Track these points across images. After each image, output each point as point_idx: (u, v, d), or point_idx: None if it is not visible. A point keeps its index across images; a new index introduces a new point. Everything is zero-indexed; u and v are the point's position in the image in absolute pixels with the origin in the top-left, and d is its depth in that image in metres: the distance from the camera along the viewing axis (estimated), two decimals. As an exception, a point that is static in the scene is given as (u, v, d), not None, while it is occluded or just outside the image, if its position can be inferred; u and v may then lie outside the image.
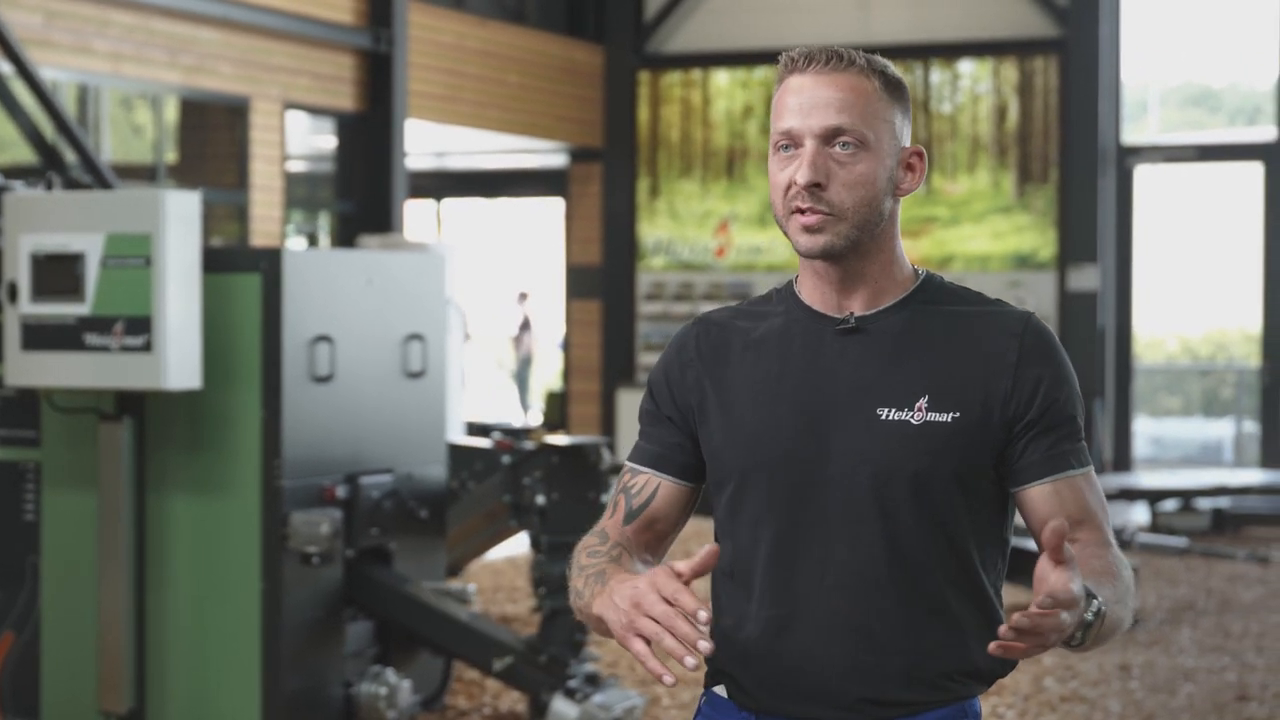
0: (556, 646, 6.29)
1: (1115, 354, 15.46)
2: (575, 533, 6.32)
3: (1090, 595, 2.22)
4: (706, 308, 2.60)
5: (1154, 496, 12.40)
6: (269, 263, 5.92)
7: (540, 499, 6.50)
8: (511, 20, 15.39)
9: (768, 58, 15.74)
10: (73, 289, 5.78)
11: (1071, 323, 14.89)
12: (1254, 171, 15.46)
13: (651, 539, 2.52)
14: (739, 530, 2.45)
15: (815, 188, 2.36)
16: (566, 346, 17.34)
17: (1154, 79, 20.51)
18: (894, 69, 2.42)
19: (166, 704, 6.02)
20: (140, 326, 5.70)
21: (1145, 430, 17.15)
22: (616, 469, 6.54)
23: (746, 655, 2.42)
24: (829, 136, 2.36)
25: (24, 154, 9.23)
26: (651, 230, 16.33)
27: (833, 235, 2.37)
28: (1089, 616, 2.21)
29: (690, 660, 2.15)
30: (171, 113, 11.98)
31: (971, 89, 15.53)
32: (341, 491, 6.13)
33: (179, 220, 5.73)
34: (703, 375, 2.49)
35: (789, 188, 2.37)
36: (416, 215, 18.21)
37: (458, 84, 14.42)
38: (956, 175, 15.43)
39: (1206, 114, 22.80)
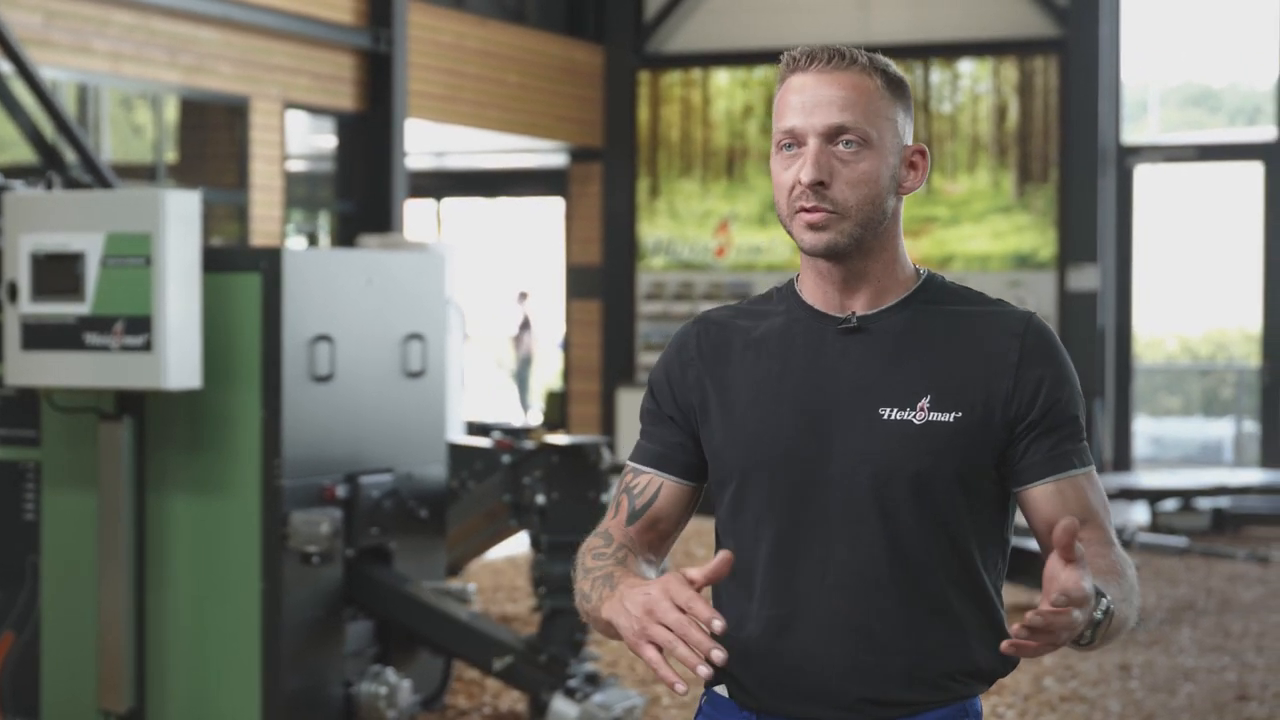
0: (556, 646, 6.29)
1: (1115, 354, 15.46)
2: (575, 532, 6.32)
3: (1099, 594, 2.22)
4: (706, 307, 2.60)
5: (1154, 496, 12.40)
6: (269, 262, 5.92)
7: (540, 498, 6.50)
8: (511, 20, 15.39)
9: (768, 57, 15.75)
10: (73, 288, 5.78)
11: (1071, 322, 14.89)
12: (1254, 171, 15.46)
13: (655, 539, 2.52)
14: (740, 530, 2.45)
15: (819, 186, 2.35)
16: (566, 346, 17.34)
17: (1154, 79, 20.52)
18: (895, 67, 2.42)
19: (166, 704, 6.02)
20: (140, 326, 5.70)
21: (1145, 430, 17.15)
22: (617, 469, 6.53)
23: (747, 655, 2.42)
24: (832, 135, 2.36)
25: (24, 153, 9.23)
26: (651, 230, 16.33)
27: (837, 233, 2.37)
28: (1098, 615, 2.21)
29: (703, 669, 2.14)
30: (171, 112, 11.98)
31: (971, 89, 15.53)
32: (341, 491, 6.13)
33: (179, 220, 5.73)
34: (704, 374, 2.48)
35: (793, 187, 2.37)
36: (416, 215, 18.20)
37: (457, 84, 14.42)
38: (956, 175, 15.43)
39: (1206, 114, 22.79)
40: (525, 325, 22.34)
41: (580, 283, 16.85)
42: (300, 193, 13.58)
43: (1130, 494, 12.45)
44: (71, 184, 6.92)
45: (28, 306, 5.85)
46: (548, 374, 22.54)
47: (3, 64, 8.34)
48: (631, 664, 7.67)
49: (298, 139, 13.35)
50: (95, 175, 7.16)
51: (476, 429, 8.39)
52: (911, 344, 2.41)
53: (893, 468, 2.36)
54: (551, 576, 6.33)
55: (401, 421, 6.47)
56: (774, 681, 2.41)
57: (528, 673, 6.30)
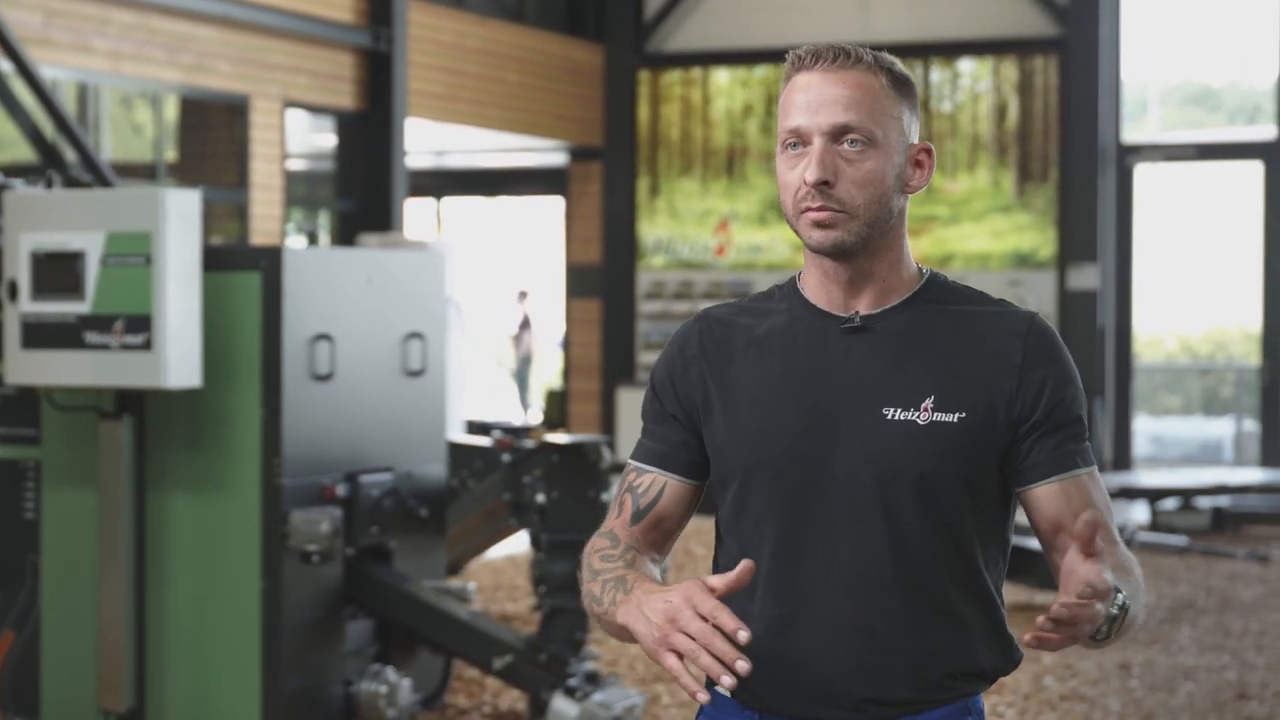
0: (556, 645, 6.29)
1: (1115, 353, 15.46)
2: (575, 531, 6.33)
3: (1115, 589, 2.22)
4: (706, 306, 2.59)
5: (1154, 495, 12.40)
6: (269, 261, 5.92)
7: (540, 497, 6.49)
8: (511, 19, 15.38)
9: (768, 57, 15.76)
10: (73, 287, 5.77)
11: (1071, 322, 14.89)
12: (1254, 170, 15.46)
13: (658, 538, 2.52)
14: (743, 529, 2.44)
15: (824, 185, 2.35)
16: (566, 345, 17.34)
17: (1154, 78, 20.52)
18: (901, 65, 2.41)
19: (166, 703, 6.01)
20: (140, 325, 5.69)
21: (1145, 429, 17.15)
22: (617, 468, 6.53)
23: (749, 654, 2.41)
24: (837, 134, 2.35)
25: (24, 152, 9.23)
26: (651, 229, 16.33)
27: (844, 232, 2.36)
28: (1114, 610, 2.21)
29: (728, 679, 2.14)
30: (171, 111, 11.98)
31: (971, 88, 15.53)
32: (341, 490, 6.13)
33: (179, 219, 5.72)
34: (706, 372, 2.48)
35: (798, 187, 2.36)
36: (416, 214, 18.20)
37: (457, 83, 14.41)
38: (956, 174, 15.43)
39: (1206, 113, 22.79)
40: (525, 324, 22.34)
41: (580, 282, 16.85)
42: (300, 192, 13.57)
43: (1130, 493, 12.45)
44: (71, 183, 6.92)
45: (28, 305, 5.84)
46: (548, 373, 22.54)
47: (3, 63, 8.34)
48: (631, 663, 7.67)
49: (298, 138, 13.35)
50: (95, 174, 7.16)
51: (476, 428, 8.38)
52: (915, 344, 2.40)
53: (897, 468, 2.36)
54: (551, 575, 6.33)
55: (401, 420, 6.47)
56: (777, 681, 2.40)
57: (528, 672, 6.30)
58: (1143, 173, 15.63)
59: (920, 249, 15.07)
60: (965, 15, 15.37)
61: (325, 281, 6.09)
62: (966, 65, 15.52)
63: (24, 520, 6.16)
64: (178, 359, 5.70)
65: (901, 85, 2.40)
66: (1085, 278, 15.01)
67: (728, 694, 2.47)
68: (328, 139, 13.60)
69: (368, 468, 6.29)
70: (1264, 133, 16.08)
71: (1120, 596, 2.23)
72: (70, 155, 7.64)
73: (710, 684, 2.50)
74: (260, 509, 5.90)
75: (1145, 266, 16.27)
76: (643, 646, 2.24)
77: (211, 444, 5.95)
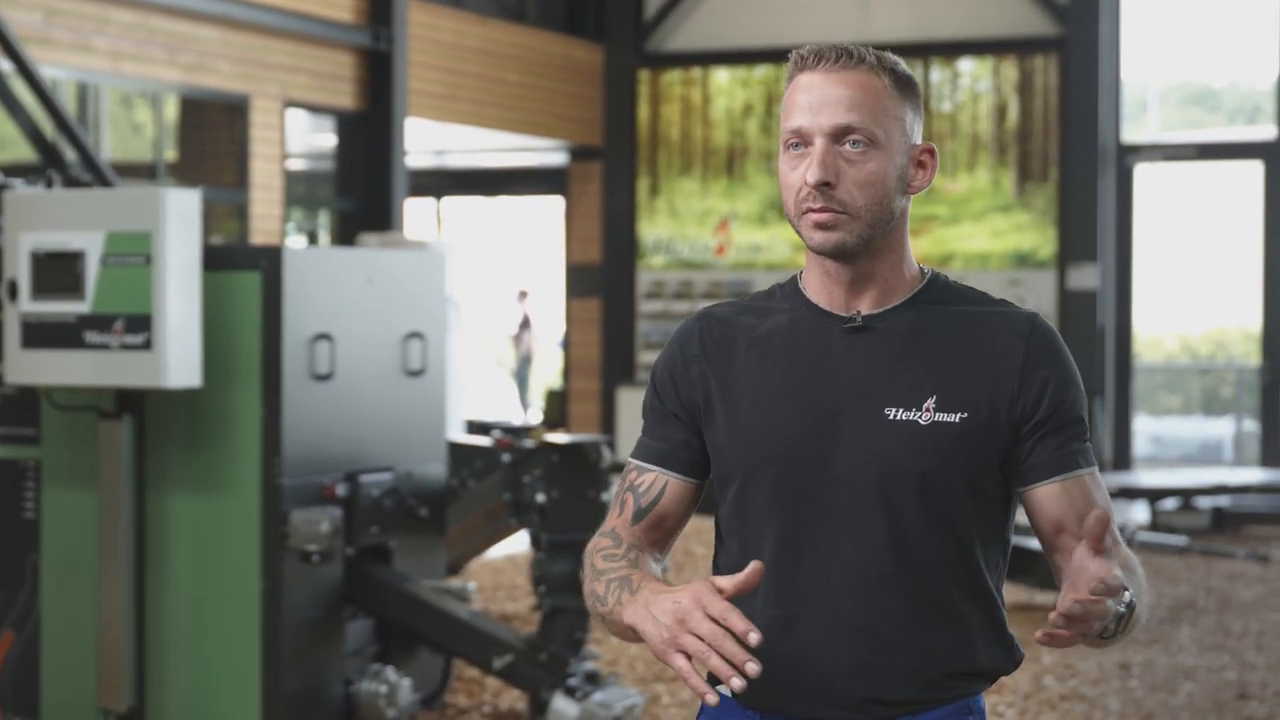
0: (556, 645, 6.29)
1: (1115, 353, 15.46)
2: (575, 531, 6.33)
3: (1123, 586, 2.22)
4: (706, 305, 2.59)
5: (1154, 495, 12.40)
6: (269, 261, 5.91)
7: (540, 497, 6.49)
8: (511, 18, 15.38)
9: (768, 56, 15.75)
10: (73, 287, 5.77)
11: (1071, 321, 14.89)
12: (1254, 170, 15.46)
13: (660, 537, 2.51)
14: (744, 528, 2.44)
15: (825, 187, 2.34)
16: (566, 345, 17.34)
17: (1154, 78, 20.51)
18: (904, 66, 2.41)
19: (166, 703, 6.01)
20: (140, 325, 5.69)
21: (1145, 429, 17.15)
22: (617, 467, 6.53)
23: (754, 655, 2.41)
24: (839, 135, 2.35)
25: (24, 152, 9.22)
26: (651, 229, 16.33)
27: (846, 233, 2.36)
28: (1122, 608, 2.22)
29: (737, 682, 2.13)
30: (171, 111, 11.97)
31: (971, 88, 15.53)
32: (341, 490, 6.13)
33: (179, 218, 5.72)
34: (707, 371, 2.47)
35: (800, 188, 2.36)
36: (416, 213, 18.20)
37: (457, 82, 14.41)
38: (956, 174, 15.43)
39: (1206, 113, 22.79)
40: (525, 324, 22.34)
41: (580, 281, 16.84)
42: (300, 191, 13.57)
43: (1130, 493, 12.45)
44: (71, 182, 6.91)
45: (28, 305, 5.84)
46: (548, 372, 22.53)
47: (3, 62, 8.33)
48: (631, 663, 7.67)
49: (298, 137, 13.35)
50: (95, 174, 7.15)
51: (476, 427, 8.38)
52: (917, 344, 2.40)
53: (899, 468, 2.36)
54: (551, 575, 6.33)
55: (401, 420, 6.47)
56: (778, 681, 2.40)
57: (528, 671, 6.30)
58: (1143, 173, 15.63)
59: (920, 249, 15.06)
60: (965, 15, 15.37)
61: (325, 281, 6.09)
62: (966, 65, 15.52)
63: (24, 520, 6.16)
64: (178, 359, 5.70)
65: (904, 86, 2.40)
66: (1085, 277, 15.01)
67: (729, 693, 2.47)
68: (328, 139, 13.60)
69: (368, 467, 6.29)
70: (1264, 133, 16.08)
71: (1128, 595, 2.23)
72: (70, 155, 7.64)
73: (713, 684, 2.50)
74: (260, 509, 5.90)
75: (1145, 266, 16.27)
76: (650, 647, 2.23)
77: (211, 444, 5.95)
